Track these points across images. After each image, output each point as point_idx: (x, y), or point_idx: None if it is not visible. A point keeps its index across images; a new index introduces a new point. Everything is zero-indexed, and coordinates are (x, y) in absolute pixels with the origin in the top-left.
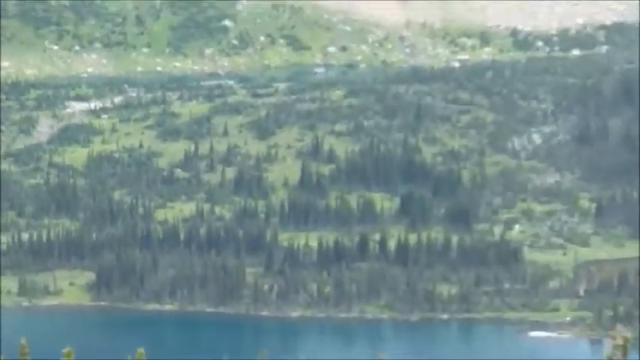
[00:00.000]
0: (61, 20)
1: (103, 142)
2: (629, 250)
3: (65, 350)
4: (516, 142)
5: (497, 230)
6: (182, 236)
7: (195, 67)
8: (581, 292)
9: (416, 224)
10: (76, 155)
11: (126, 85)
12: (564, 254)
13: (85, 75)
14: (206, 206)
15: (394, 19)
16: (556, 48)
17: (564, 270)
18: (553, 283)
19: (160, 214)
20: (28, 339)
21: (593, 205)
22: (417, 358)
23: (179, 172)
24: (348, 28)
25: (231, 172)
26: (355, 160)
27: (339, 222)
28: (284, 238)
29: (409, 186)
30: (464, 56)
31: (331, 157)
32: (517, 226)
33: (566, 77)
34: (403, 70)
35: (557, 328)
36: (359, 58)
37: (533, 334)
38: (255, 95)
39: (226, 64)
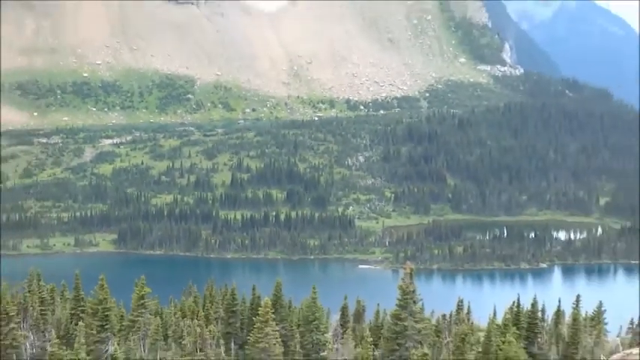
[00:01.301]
0: (97, 94)
1: (121, 161)
2: (413, 220)
3: (100, 276)
4: (350, 161)
5: (340, 209)
6: (165, 213)
7: (172, 120)
8: (387, 243)
9: (295, 206)
10: (106, 169)
11: (133, 130)
12: (377, 223)
13: (111, 124)
14: (179, 197)
15: (281, 93)
16: (371, 109)
17: (377, 231)
18: (371, 238)
19: (153, 201)
20: (80, 271)
21: (393, 195)
22: (296, 280)
23: (163, 178)
24: (256, 99)
25: (193, 178)
26: (262, 171)
27: (253, 205)
28: (223, 213)
29: (291, 185)
30: (320, 114)
31: (248, 170)
32: (351, 207)
33: (376, 125)
34: (287, 122)
35: (374, 263)
36: (262, 115)
37: (361, 266)
38: (205, 135)
39: (189, 118)
